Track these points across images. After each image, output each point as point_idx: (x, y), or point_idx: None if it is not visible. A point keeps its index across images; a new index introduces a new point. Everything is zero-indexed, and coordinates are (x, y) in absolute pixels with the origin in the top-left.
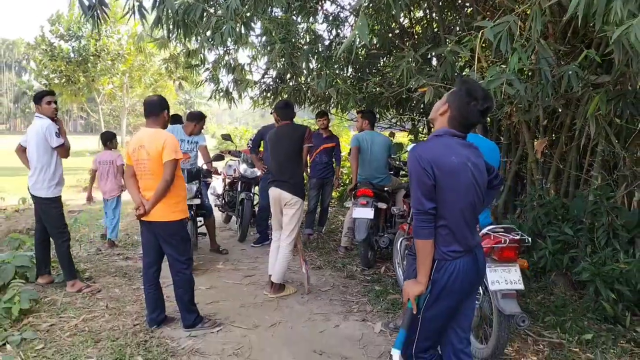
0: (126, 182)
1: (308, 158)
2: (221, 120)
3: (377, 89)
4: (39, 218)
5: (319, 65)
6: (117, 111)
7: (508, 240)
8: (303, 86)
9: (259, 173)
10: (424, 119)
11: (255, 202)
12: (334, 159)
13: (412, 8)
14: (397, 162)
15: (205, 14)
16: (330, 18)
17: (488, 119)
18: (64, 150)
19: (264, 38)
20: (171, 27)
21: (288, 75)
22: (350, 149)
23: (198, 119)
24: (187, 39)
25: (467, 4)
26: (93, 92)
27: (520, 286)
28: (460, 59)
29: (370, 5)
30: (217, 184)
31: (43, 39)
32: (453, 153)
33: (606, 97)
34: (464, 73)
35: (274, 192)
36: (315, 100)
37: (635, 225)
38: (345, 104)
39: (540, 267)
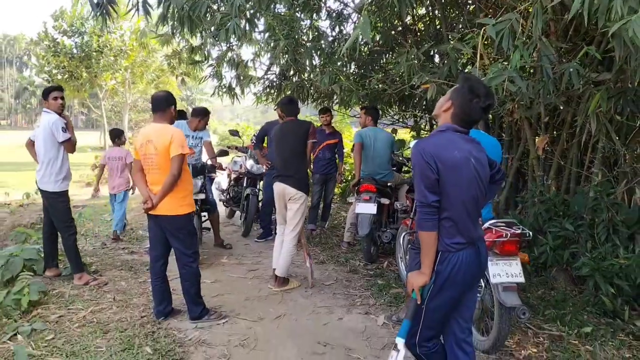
0: (134, 177)
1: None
2: (222, 116)
3: (380, 85)
4: (46, 211)
5: (321, 62)
6: (119, 107)
7: (509, 234)
8: (306, 82)
9: (264, 169)
10: (426, 115)
11: (259, 198)
12: (336, 155)
13: (415, 5)
14: (400, 158)
15: (209, 10)
16: (334, 15)
17: (490, 115)
18: (70, 145)
19: (267, 34)
20: (176, 23)
21: (291, 72)
22: (353, 145)
23: (202, 114)
24: (192, 34)
25: (470, 2)
26: (96, 88)
27: (521, 279)
28: (462, 56)
29: (373, 2)
30: (221, 179)
31: (46, 35)
32: (456, 148)
33: (607, 95)
34: (466, 70)
35: (278, 186)
36: (318, 96)
37: (635, 221)
38: (348, 101)
39: (541, 263)
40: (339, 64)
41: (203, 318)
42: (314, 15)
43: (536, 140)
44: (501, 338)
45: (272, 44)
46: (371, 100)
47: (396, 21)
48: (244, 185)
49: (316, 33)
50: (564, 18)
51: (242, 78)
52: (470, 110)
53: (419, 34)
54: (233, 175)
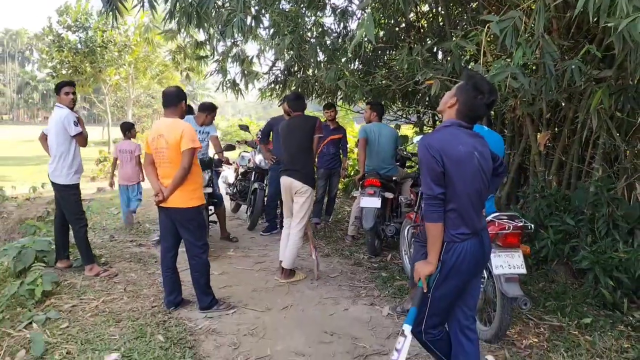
0: (145, 170)
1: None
2: (224, 112)
3: (384, 81)
4: (58, 204)
5: (326, 58)
6: (122, 102)
7: (512, 227)
8: (310, 78)
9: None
10: (429, 111)
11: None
12: (340, 150)
13: (418, 2)
14: (404, 153)
15: (215, 6)
16: (338, 12)
17: (492, 111)
18: (82, 138)
19: (272, 31)
20: (182, 19)
21: (296, 68)
22: (357, 140)
23: (210, 110)
24: (198, 29)
25: None
26: (100, 83)
27: (523, 270)
28: (465, 53)
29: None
30: (228, 173)
31: (51, 30)
32: (460, 142)
33: (608, 92)
34: (469, 66)
35: (285, 180)
36: (322, 92)
37: (635, 216)
38: (353, 96)
39: (542, 256)
40: (343, 60)
41: (212, 308)
42: (319, 12)
43: (538, 136)
44: (503, 328)
45: (276, 40)
46: (375, 96)
47: (400, 18)
48: (252, 179)
49: (320, 29)
50: (566, 15)
51: (246, 74)
52: (475, 107)
53: (422, 30)
54: (240, 170)
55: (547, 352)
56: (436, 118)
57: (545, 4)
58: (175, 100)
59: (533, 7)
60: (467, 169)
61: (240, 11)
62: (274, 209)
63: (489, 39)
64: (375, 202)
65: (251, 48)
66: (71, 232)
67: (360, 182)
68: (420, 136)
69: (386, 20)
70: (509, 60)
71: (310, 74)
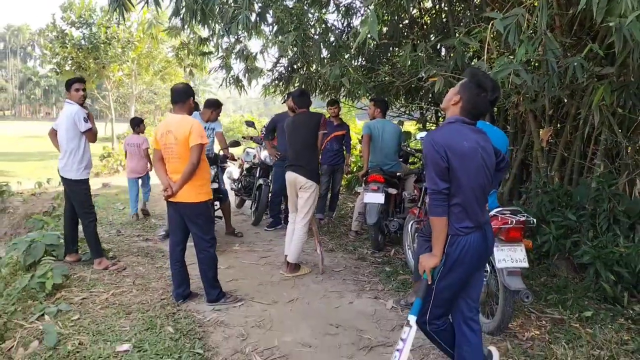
0: (154, 165)
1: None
2: (226, 108)
3: (388, 78)
4: (68, 198)
5: (329, 55)
6: (124, 98)
7: (514, 222)
8: (314, 75)
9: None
10: (433, 107)
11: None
12: (344, 146)
13: None
14: (408, 149)
15: (221, 3)
16: (342, 9)
17: (495, 108)
18: (91, 134)
19: (275, 27)
20: (188, 16)
21: (299, 64)
22: (361, 136)
23: (215, 106)
24: (202, 26)
25: None
26: (103, 79)
27: (525, 264)
28: (469, 49)
29: None
30: (233, 169)
31: (55, 26)
32: (464, 138)
33: (610, 88)
34: (473, 63)
35: (290, 176)
36: (326, 88)
37: (636, 212)
38: (356, 93)
39: (544, 251)
40: (346, 56)
41: (220, 301)
42: (322, 8)
43: (540, 132)
44: (505, 320)
45: (280, 37)
46: (379, 93)
47: (403, 14)
48: (257, 175)
49: (324, 26)
50: (569, 13)
51: (251, 70)
52: (478, 104)
53: (425, 27)
54: (245, 166)
55: (548, 344)
56: (439, 114)
57: (548, 2)
58: (183, 97)
59: (536, 4)
60: (471, 164)
61: (245, 8)
62: (278, 205)
63: (492, 36)
64: (378, 198)
65: (255, 44)
66: (80, 227)
67: (364, 178)
68: (424, 132)
69: (389, 17)
70: (511, 57)
71: (314, 71)
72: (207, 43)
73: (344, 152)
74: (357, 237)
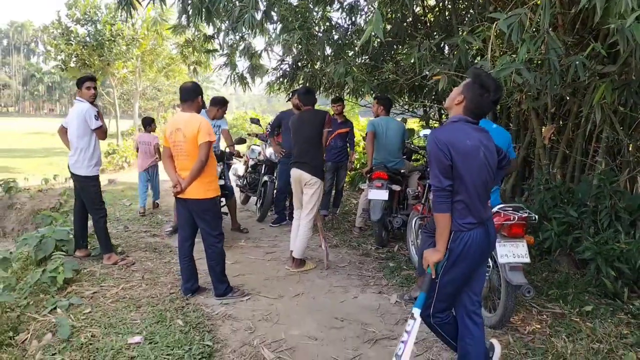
0: (164, 163)
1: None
2: (229, 105)
3: (391, 76)
4: (78, 195)
5: (333, 53)
6: (128, 95)
7: (517, 218)
8: (318, 73)
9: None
10: (436, 105)
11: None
12: (348, 144)
13: None
14: (412, 146)
15: (227, 1)
16: (346, 7)
17: (498, 106)
18: (102, 132)
19: (280, 25)
20: (194, 14)
21: (304, 62)
22: (365, 134)
23: (221, 104)
24: (208, 24)
25: None
26: (108, 76)
27: (527, 260)
28: (472, 48)
29: None
30: (238, 166)
31: (60, 23)
32: (467, 137)
33: (611, 87)
34: (476, 61)
35: (295, 172)
36: (330, 86)
37: (637, 208)
38: (360, 90)
39: (546, 247)
40: (350, 54)
41: (227, 295)
42: (327, 6)
43: (543, 130)
44: (507, 314)
45: (285, 35)
46: (382, 90)
47: (407, 12)
48: (262, 172)
49: (328, 24)
50: (571, 12)
51: (256, 68)
52: (481, 104)
53: (429, 25)
54: (250, 162)
55: (549, 337)
56: (442, 112)
57: (551, 1)
58: (192, 95)
59: (539, 3)
60: (474, 162)
61: (251, 7)
62: (283, 201)
63: (495, 34)
64: (382, 195)
65: (259, 42)
66: (90, 222)
67: (368, 175)
68: (427, 130)
69: (393, 15)
70: (514, 56)
71: (318, 68)
72: (212, 41)
73: (348, 149)
74: (361, 233)
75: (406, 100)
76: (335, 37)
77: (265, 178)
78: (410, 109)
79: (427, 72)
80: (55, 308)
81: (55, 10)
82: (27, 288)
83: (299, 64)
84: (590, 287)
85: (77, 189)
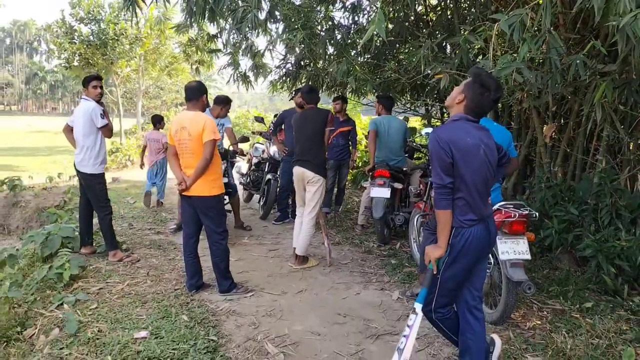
0: (169, 161)
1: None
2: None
3: (393, 75)
4: (84, 192)
5: (335, 52)
6: (131, 93)
7: (517, 215)
8: (321, 71)
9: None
10: (438, 104)
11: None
12: (350, 142)
13: None
14: (414, 144)
15: (231, 1)
16: (349, 7)
17: (500, 104)
18: (107, 130)
19: (282, 25)
20: (198, 14)
21: (306, 61)
22: (367, 132)
23: (224, 102)
24: (212, 23)
25: None
26: (111, 74)
27: (528, 256)
28: (474, 47)
29: None
30: (242, 164)
31: (64, 22)
32: (468, 135)
33: (612, 85)
34: (478, 60)
35: (297, 170)
36: (332, 85)
37: (637, 206)
38: (362, 89)
39: (547, 245)
40: (353, 53)
41: (231, 291)
42: (329, 5)
43: (544, 128)
44: (508, 310)
45: (287, 34)
46: (385, 89)
47: (409, 12)
48: (266, 170)
49: (330, 23)
50: (572, 11)
51: (259, 67)
52: (481, 103)
53: (431, 24)
54: (254, 160)
55: (549, 333)
56: (444, 111)
57: (552, 0)
58: (197, 94)
59: (540, 2)
60: (474, 160)
61: (255, 7)
62: (286, 199)
63: (497, 33)
64: (384, 193)
65: (261, 40)
66: (95, 220)
67: (370, 173)
68: (429, 128)
69: (395, 14)
70: (515, 55)
71: (321, 67)
72: (215, 40)
73: (350, 147)
74: (363, 231)
75: (408, 99)
76: (338, 36)
77: (269, 176)
78: (412, 108)
79: (429, 71)
80: (62, 304)
81: (59, 10)
82: (33, 284)
83: (302, 62)
84: (591, 284)
85: (83, 187)
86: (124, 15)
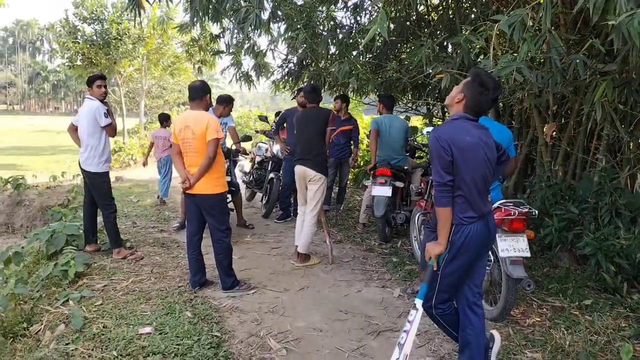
0: (173, 159)
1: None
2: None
3: (395, 74)
4: (88, 191)
5: (337, 52)
6: (133, 93)
7: (517, 213)
8: (323, 71)
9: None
10: (439, 103)
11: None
12: (352, 141)
13: None
14: (415, 143)
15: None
16: (351, 7)
17: (501, 104)
18: (111, 129)
19: (284, 25)
20: (201, 14)
21: (308, 60)
22: (369, 131)
23: (227, 102)
24: (214, 23)
25: None
26: (114, 74)
27: (527, 254)
28: (475, 47)
29: None
30: (244, 163)
31: (67, 22)
32: (467, 134)
33: (612, 85)
34: (479, 60)
35: (299, 169)
36: (334, 84)
37: (637, 205)
38: (364, 89)
39: (547, 243)
40: (354, 53)
41: (234, 288)
42: (331, 5)
43: (545, 127)
44: (508, 307)
45: (289, 34)
46: (386, 89)
47: (410, 11)
48: (269, 169)
49: (332, 23)
50: (572, 12)
51: (261, 67)
52: (480, 102)
53: (432, 23)
54: (257, 159)
55: (548, 330)
56: (445, 110)
57: (552, 0)
58: (200, 94)
59: (541, 1)
60: (474, 158)
61: (257, 7)
62: (288, 198)
63: (497, 33)
64: (386, 191)
65: (264, 40)
66: (99, 218)
67: (372, 172)
68: (430, 127)
69: (397, 14)
70: (515, 55)
71: (323, 67)
72: (218, 40)
73: (352, 146)
74: (364, 229)
75: (410, 98)
76: (340, 36)
77: (272, 175)
78: (414, 107)
79: (431, 71)
80: (67, 300)
81: (63, 9)
82: (39, 281)
83: (304, 62)
84: (590, 282)
85: (88, 185)
86: (127, 15)
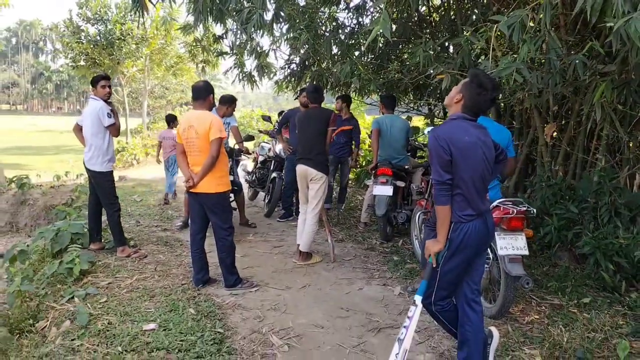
0: (177, 158)
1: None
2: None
3: (397, 75)
4: (92, 190)
5: (339, 52)
6: (136, 93)
7: (516, 212)
8: (325, 72)
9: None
10: (440, 103)
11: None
12: (352, 141)
13: None
14: (416, 143)
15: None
16: (353, 8)
17: (502, 104)
18: (114, 129)
19: (287, 25)
20: (205, 14)
21: (310, 61)
22: (370, 131)
23: (230, 102)
24: (218, 23)
25: None
26: (117, 74)
27: (526, 252)
28: (475, 48)
29: None
30: (247, 162)
31: (71, 22)
32: (466, 133)
33: (611, 85)
34: (479, 61)
35: (300, 168)
36: (336, 84)
37: (636, 204)
38: (366, 89)
39: (546, 242)
40: (357, 53)
41: (237, 286)
42: (333, 6)
43: (545, 128)
44: (506, 305)
45: (291, 34)
46: (388, 89)
47: (412, 12)
48: (271, 168)
49: (334, 24)
50: (572, 13)
51: (264, 67)
52: (479, 102)
53: (434, 24)
54: (260, 159)
55: (546, 327)
56: (446, 110)
57: (552, 1)
58: (204, 94)
59: (542, 2)
60: (472, 157)
61: (260, 8)
62: (290, 197)
63: (497, 33)
64: (387, 190)
65: (266, 40)
66: (104, 217)
67: (373, 172)
68: (431, 127)
69: (399, 15)
70: (515, 55)
71: (325, 67)
72: (221, 41)
73: (352, 146)
74: (366, 228)
75: (411, 98)
76: (342, 37)
77: (274, 174)
78: (415, 107)
79: (432, 71)
80: (72, 297)
81: (67, 10)
82: (44, 279)
83: (306, 63)
84: (589, 281)
85: (92, 184)
86: (131, 15)
